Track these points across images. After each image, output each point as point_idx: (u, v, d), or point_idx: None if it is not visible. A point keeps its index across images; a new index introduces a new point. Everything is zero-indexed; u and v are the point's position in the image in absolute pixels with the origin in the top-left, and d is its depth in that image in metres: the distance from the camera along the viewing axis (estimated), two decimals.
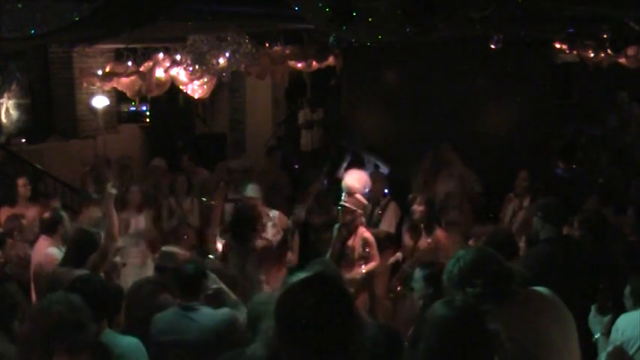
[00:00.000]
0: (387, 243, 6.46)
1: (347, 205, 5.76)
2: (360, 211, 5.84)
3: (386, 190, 6.88)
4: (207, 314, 3.85)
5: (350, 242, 5.77)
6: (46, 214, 5.34)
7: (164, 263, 4.52)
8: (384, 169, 7.80)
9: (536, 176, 6.96)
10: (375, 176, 6.80)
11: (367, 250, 5.77)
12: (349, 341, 2.00)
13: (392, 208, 6.74)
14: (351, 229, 5.78)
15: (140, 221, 6.73)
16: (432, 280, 3.60)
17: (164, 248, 4.87)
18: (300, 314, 1.96)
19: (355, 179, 6.06)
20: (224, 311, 3.93)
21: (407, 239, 6.06)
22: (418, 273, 3.70)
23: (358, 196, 5.88)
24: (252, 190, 6.26)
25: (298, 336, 1.96)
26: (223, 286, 4.20)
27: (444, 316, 2.32)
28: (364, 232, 5.85)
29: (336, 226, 5.94)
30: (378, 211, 6.67)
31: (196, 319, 3.81)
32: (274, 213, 6.29)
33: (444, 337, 2.28)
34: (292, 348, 1.98)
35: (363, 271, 5.75)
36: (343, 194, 5.91)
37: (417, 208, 5.80)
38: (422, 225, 5.80)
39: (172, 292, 4.32)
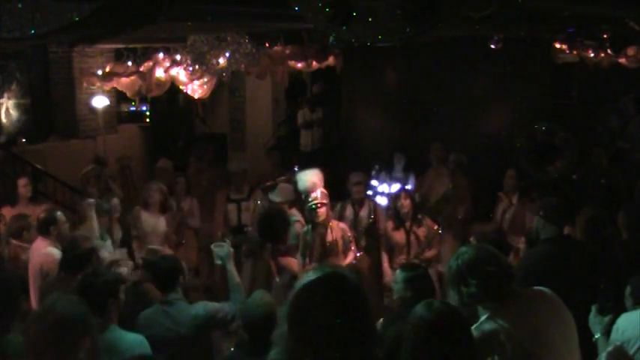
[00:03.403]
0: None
1: (320, 201, 5.70)
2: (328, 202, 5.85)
3: (369, 192, 6.89)
4: (183, 309, 3.91)
5: (330, 237, 5.73)
6: (41, 215, 5.32)
7: (149, 256, 4.67)
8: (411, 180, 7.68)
9: (524, 174, 7.02)
10: (357, 177, 6.74)
11: (349, 235, 5.85)
12: (369, 338, 1.91)
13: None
14: (327, 224, 5.75)
15: (162, 222, 6.61)
16: (412, 283, 3.60)
17: (149, 246, 5.05)
18: (315, 316, 1.88)
19: (313, 176, 5.98)
20: (200, 305, 4.00)
21: (397, 236, 6.14)
22: (399, 274, 3.69)
23: (321, 189, 5.83)
24: (277, 195, 6.26)
25: (315, 338, 1.86)
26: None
27: (423, 317, 2.38)
28: (338, 223, 5.91)
29: (306, 228, 5.83)
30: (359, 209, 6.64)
31: (172, 314, 3.88)
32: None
33: (423, 338, 2.33)
34: (310, 351, 1.87)
35: (350, 259, 5.80)
36: (307, 195, 5.82)
37: (404, 202, 6.09)
38: (410, 217, 6.09)
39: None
